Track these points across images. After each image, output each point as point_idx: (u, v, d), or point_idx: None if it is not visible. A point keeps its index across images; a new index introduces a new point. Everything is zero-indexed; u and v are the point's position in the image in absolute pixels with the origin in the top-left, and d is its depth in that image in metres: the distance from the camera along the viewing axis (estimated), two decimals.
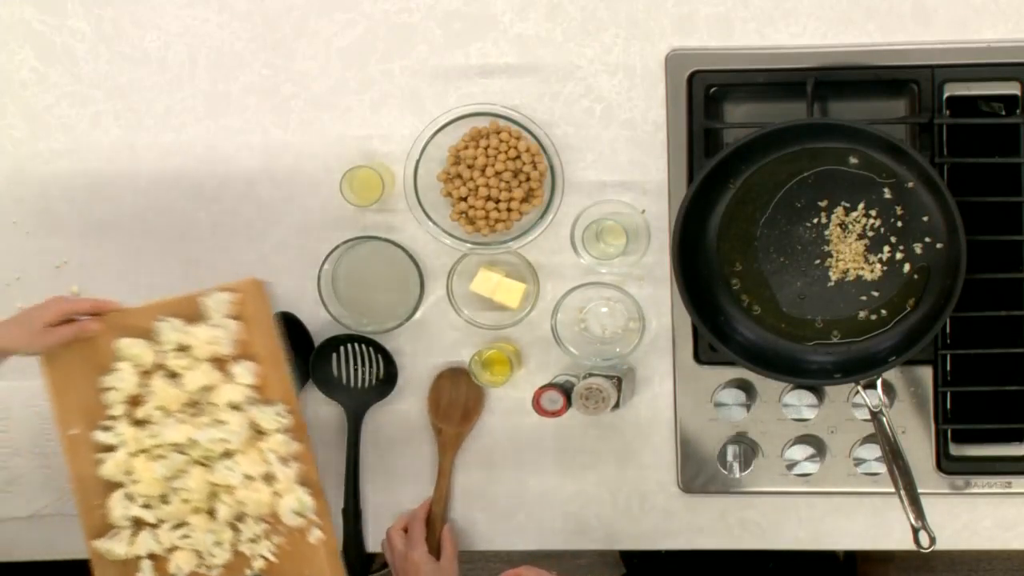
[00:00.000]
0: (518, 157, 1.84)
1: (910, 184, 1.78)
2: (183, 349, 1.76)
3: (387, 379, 1.92)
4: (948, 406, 1.85)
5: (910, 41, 1.84)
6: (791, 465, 1.85)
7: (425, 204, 1.85)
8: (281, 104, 1.92)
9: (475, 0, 1.89)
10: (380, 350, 1.91)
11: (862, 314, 1.81)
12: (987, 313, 1.81)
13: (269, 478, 1.76)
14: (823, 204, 1.80)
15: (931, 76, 1.82)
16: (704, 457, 1.88)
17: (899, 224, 1.79)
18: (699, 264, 1.82)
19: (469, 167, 1.84)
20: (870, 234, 1.79)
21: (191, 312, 1.77)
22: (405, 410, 1.92)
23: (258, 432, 1.76)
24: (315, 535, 1.78)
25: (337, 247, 1.87)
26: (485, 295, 1.86)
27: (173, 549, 1.76)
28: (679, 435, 1.88)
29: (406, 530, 1.88)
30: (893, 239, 1.79)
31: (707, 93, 1.85)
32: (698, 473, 1.89)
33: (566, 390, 1.79)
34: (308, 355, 1.91)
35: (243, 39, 1.92)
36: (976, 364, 1.84)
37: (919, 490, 1.76)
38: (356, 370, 1.92)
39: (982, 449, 1.85)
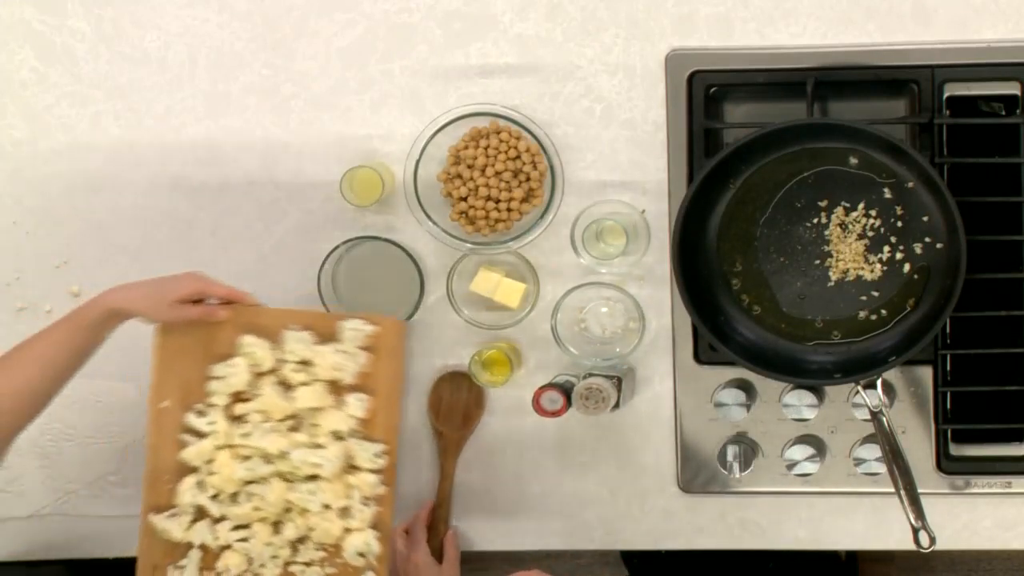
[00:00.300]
0: (518, 157, 1.84)
1: (910, 184, 1.78)
2: (304, 364, 1.74)
3: None
4: (948, 406, 1.85)
5: (910, 41, 1.84)
6: (791, 465, 1.85)
7: (425, 204, 1.85)
8: (281, 104, 1.92)
9: (475, 0, 1.89)
10: None
11: (862, 314, 1.81)
12: (987, 313, 1.81)
13: (346, 512, 1.73)
14: (823, 204, 1.80)
15: (931, 76, 1.82)
16: (704, 457, 1.88)
17: (899, 224, 1.79)
18: (699, 264, 1.82)
19: (469, 167, 1.84)
20: (870, 234, 1.79)
21: (324, 330, 1.74)
22: (405, 410, 1.92)
23: (350, 466, 1.73)
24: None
25: (337, 247, 1.87)
26: (485, 295, 1.86)
27: (226, 548, 1.74)
28: (679, 435, 1.88)
29: (408, 532, 1.88)
30: (893, 239, 1.79)
31: (707, 93, 1.85)
32: (698, 473, 1.89)
33: (566, 390, 1.79)
34: None
35: (243, 39, 1.92)
36: (976, 364, 1.84)
37: (919, 490, 1.76)
38: None
39: (982, 449, 1.85)
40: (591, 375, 1.80)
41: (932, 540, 1.75)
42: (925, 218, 1.78)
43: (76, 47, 1.93)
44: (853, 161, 1.79)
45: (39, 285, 1.95)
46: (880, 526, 1.87)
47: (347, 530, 1.73)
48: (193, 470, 1.74)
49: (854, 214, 1.79)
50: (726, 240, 1.83)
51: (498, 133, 1.84)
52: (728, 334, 1.81)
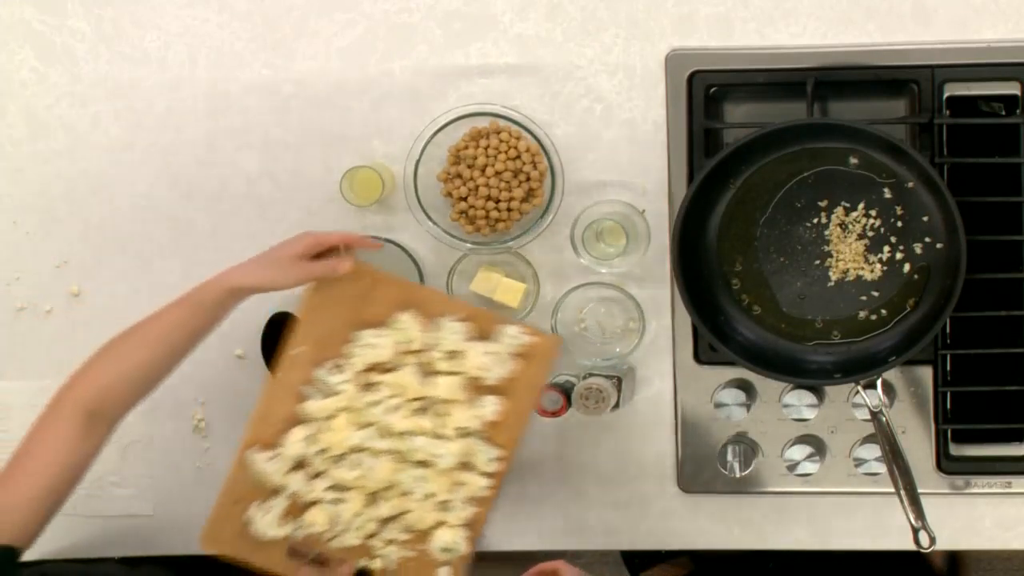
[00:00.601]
0: (518, 157, 1.84)
1: (910, 184, 1.78)
2: (453, 354, 1.71)
3: None
4: (948, 406, 1.85)
5: (910, 41, 1.84)
6: (791, 465, 1.85)
7: (425, 204, 1.85)
8: (281, 104, 1.92)
9: (475, 0, 1.89)
10: None
11: (862, 314, 1.81)
12: (987, 313, 1.81)
13: (445, 506, 1.71)
14: (823, 204, 1.80)
15: (931, 76, 1.82)
16: (704, 457, 1.88)
17: (899, 224, 1.79)
18: (699, 264, 1.82)
19: (469, 167, 1.84)
20: (870, 234, 1.79)
21: (483, 328, 1.71)
22: None
23: (464, 464, 1.71)
24: (443, 572, 1.73)
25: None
26: (485, 295, 1.86)
27: (315, 503, 1.71)
28: (679, 435, 1.88)
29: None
30: (893, 239, 1.79)
31: (707, 93, 1.85)
32: (698, 473, 1.89)
33: (566, 390, 1.79)
34: None
35: (243, 39, 1.92)
36: (976, 364, 1.84)
37: (919, 490, 1.76)
38: None
39: (982, 449, 1.85)
40: (591, 375, 1.80)
41: (932, 540, 1.75)
42: (925, 218, 1.78)
43: (76, 47, 1.93)
44: (853, 161, 1.79)
45: (39, 285, 1.95)
46: (880, 526, 1.87)
47: (440, 523, 1.71)
48: (307, 423, 1.71)
49: (854, 214, 1.79)
50: (726, 240, 1.83)
51: (498, 133, 1.84)
52: (728, 334, 1.81)
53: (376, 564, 1.72)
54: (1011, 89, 1.82)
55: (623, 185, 1.87)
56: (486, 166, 1.84)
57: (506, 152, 1.84)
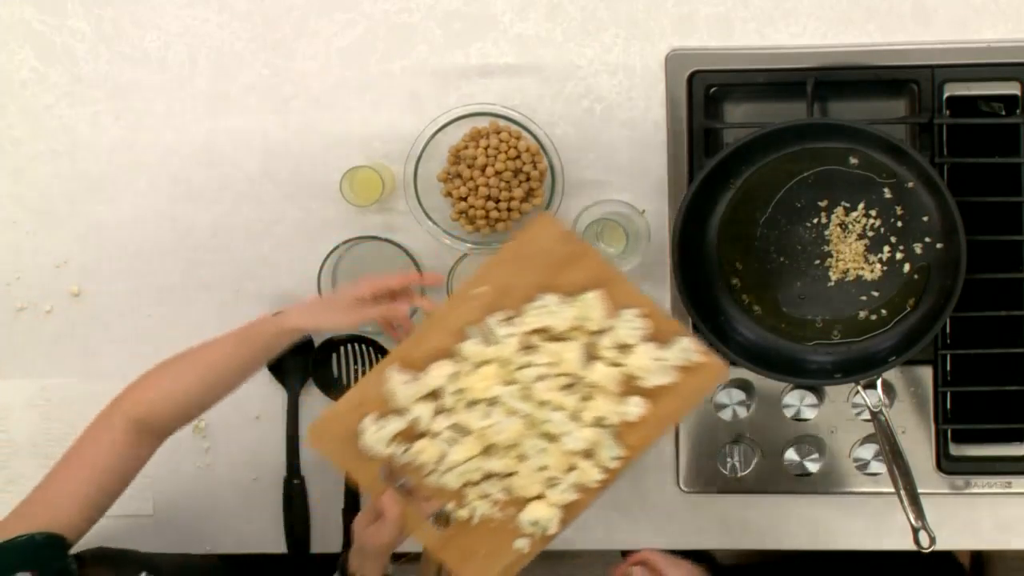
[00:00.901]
0: (518, 157, 1.84)
1: (910, 184, 1.78)
2: (622, 348, 1.68)
3: None
4: (948, 406, 1.85)
5: (910, 41, 1.84)
6: (791, 465, 1.85)
7: (425, 204, 1.85)
8: (281, 104, 1.92)
9: (475, 0, 1.89)
10: (380, 350, 1.91)
11: (862, 314, 1.81)
12: (987, 313, 1.81)
13: (551, 482, 1.69)
14: (823, 204, 1.80)
15: (931, 76, 1.82)
16: (704, 457, 1.88)
17: (899, 224, 1.79)
18: (699, 264, 1.82)
19: (469, 167, 1.84)
20: (870, 234, 1.79)
21: (658, 330, 1.68)
22: None
23: (587, 452, 1.68)
24: (520, 543, 1.70)
25: (337, 247, 1.87)
26: None
27: (430, 436, 1.68)
28: (679, 435, 1.88)
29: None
30: (893, 239, 1.79)
31: (707, 93, 1.85)
32: (698, 473, 1.89)
33: None
34: (308, 355, 1.91)
35: (243, 39, 1.92)
36: (976, 364, 1.84)
37: (919, 490, 1.76)
38: (356, 370, 1.92)
39: (982, 449, 1.85)
40: None
41: (932, 540, 1.75)
42: (925, 218, 1.78)
43: (76, 47, 1.93)
44: (853, 161, 1.79)
45: (39, 285, 1.95)
46: (880, 526, 1.87)
47: (539, 497, 1.69)
48: (457, 360, 1.69)
49: (854, 214, 1.79)
50: (726, 240, 1.83)
51: (498, 133, 1.84)
52: (728, 334, 1.81)
53: (459, 512, 1.69)
54: (1011, 89, 1.82)
55: (623, 185, 1.87)
56: (486, 166, 1.84)
57: (506, 152, 1.84)
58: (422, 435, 1.68)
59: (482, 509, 1.69)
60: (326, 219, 1.91)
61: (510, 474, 1.68)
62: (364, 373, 1.91)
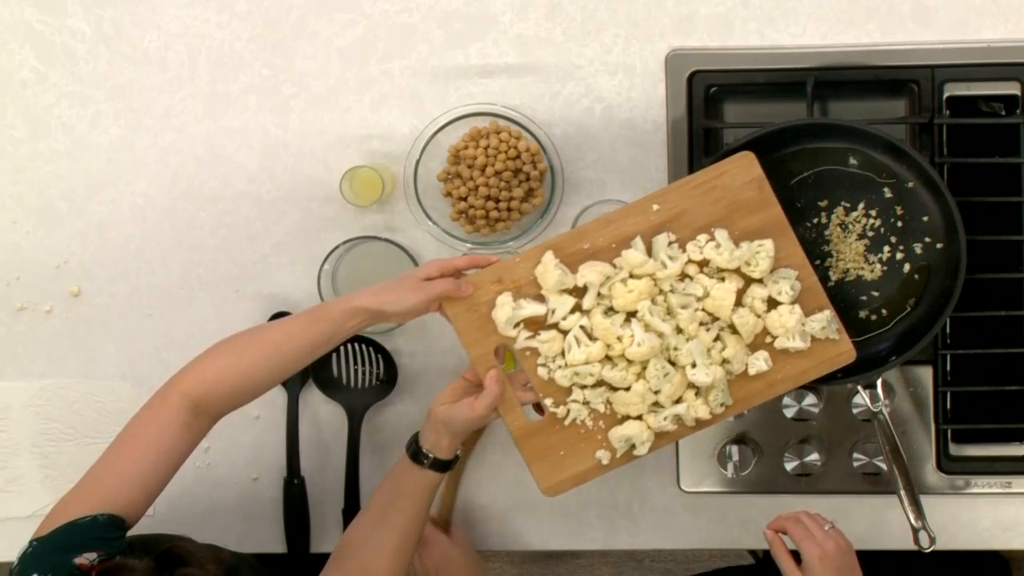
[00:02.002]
0: (518, 157, 1.84)
1: (910, 184, 1.78)
2: (771, 302, 1.70)
3: (387, 379, 1.92)
4: (948, 406, 1.85)
5: (910, 41, 1.84)
6: (791, 465, 1.85)
7: (425, 204, 1.85)
8: (281, 104, 1.92)
9: (475, 0, 1.89)
10: (380, 350, 1.91)
11: (862, 314, 1.81)
12: (987, 313, 1.81)
13: (656, 407, 1.69)
14: (823, 204, 1.80)
15: (931, 76, 1.82)
16: (704, 457, 1.88)
17: (899, 224, 1.79)
18: None
19: (469, 167, 1.84)
20: (870, 234, 1.79)
21: (807, 298, 1.70)
22: (405, 410, 1.92)
23: (699, 390, 1.69)
24: (601, 454, 1.70)
25: (337, 247, 1.87)
26: None
27: (558, 330, 1.69)
28: (677, 439, 1.88)
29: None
30: (893, 239, 1.79)
31: (707, 93, 1.85)
32: (698, 473, 1.89)
33: None
34: None
35: (243, 39, 1.92)
36: (976, 364, 1.84)
37: (919, 490, 1.76)
38: (356, 370, 1.92)
39: (982, 449, 1.85)
40: None
41: (932, 540, 1.75)
42: (925, 218, 1.78)
43: (76, 47, 1.93)
44: (853, 161, 1.79)
45: (39, 285, 1.95)
46: (880, 526, 1.87)
47: (639, 418, 1.70)
48: (612, 265, 1.69)
49: (854, 214, 1.79)
50: None
51: (498, 133, 1.84)
52: None
53: (557, 410, 1.70)
54: (1011, 89, 1.82)
55: (623, 185, 1.88)
56: (486, 166, 1.84)
57: (506, 152, 1.84)
58: (552, 327, 1.69)
59: (577, 413, 1.70)
60: (326, 219, 1.91)
61: (622, 389, 1.69)
62: (364, 373, 1.91)
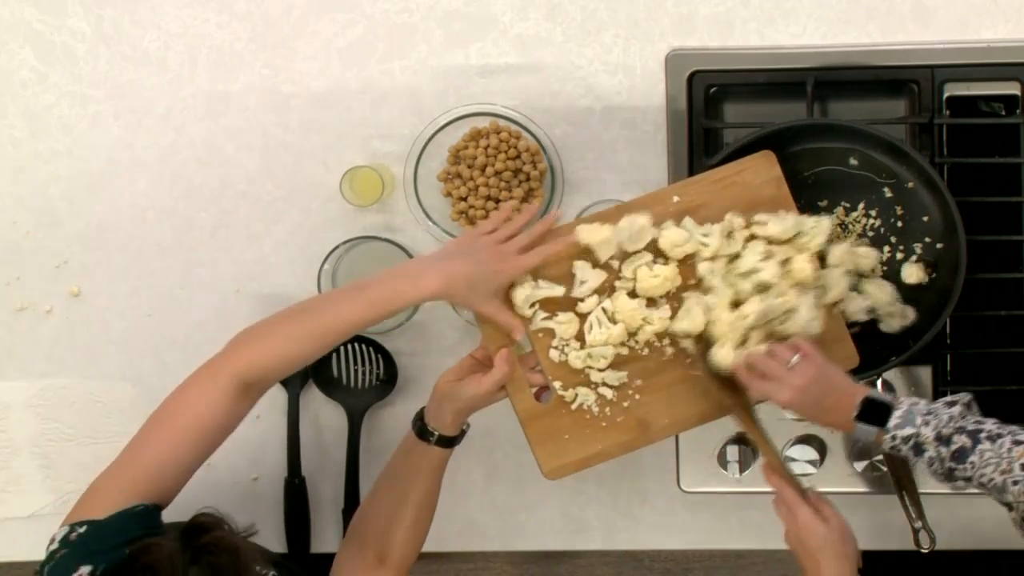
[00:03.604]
0: (518, 156, 1.84)
1: (910, 184, 1.78)
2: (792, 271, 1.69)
3: (387, 379, 1.92)
4: None
5: (910, 41, 1.84)
6: (791, 465, 1.85)
7: (425, 204, 1.85)
8: (281, 104, 1.92)
9: (475, 0, 1.89)
10: (380, 350, 1.91)
11: None
12: (987, 313, 1.81)
13: (681, 352, 1.70)
14: (823, 204, 1.80)
15: (931, 76, 1.82)
16: (704, 457, 1.88)
17: (899, 224, 1.79)
18: None
19: (469, 167, 1.84)
20: (870, 234, 1.79)
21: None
22: (405, 410, 1.92)
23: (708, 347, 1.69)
24: (627, 403, 1.71)
25: (337, 247, 1.87)
26: None
27: (578, 313, 1.69)
28: (679, 435, 1.88)
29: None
30: (893, 239, 1.79)
31: (707, 93, 1.85)
32: (698, 473, 1.89)
33: None
34: None
35: (243, 39, 1.92)
36: (976, 364, 1.84)
37: (919, 490, 1.76)
38: (356, 370, 1.92)
39: None
40: None
41: (932, 540, 1.75)
42: (925, 218, 1.78)
43: (76, 47, 1.94)
44: (853, 161, 1.79)
45: (39, 285, 1.95)
46: (880, 526, 1.87)
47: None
48: (635, 250, 1.70)
49: (854, 214, 1.79)
50: None
51: (498, 133, 1.84)
52: None
53: (565, 393, 1.70)
54: (1011, 89, 1.82)
55: (623, 185, 1.88)
56: (486, 166, 1.84)
57: (506, 152, 1.84)
58: (570, 308, 1.69)
59: (585, 398, 1.70)
60: (326, 219, 1.91)
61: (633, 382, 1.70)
62: (364, 373, 1.91)
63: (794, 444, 1.85)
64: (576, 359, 1.69)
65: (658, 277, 1.68)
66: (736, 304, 1.68)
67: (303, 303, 1.64)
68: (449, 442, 1.69)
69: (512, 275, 1.65)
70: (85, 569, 1.44)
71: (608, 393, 1.70)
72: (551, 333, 1.70)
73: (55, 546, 1.48)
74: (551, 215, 1.73)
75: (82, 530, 1.49)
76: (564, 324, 1.69)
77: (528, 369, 1.70)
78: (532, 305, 1.69)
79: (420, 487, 1.69)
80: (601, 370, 1.70)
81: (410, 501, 1.69)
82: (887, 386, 1.78)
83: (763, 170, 1.71)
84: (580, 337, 1.70)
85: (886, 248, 1.79)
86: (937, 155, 1.81)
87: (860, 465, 1.85)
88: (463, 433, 1.71)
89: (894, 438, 1.56)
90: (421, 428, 1.69)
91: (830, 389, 1.60)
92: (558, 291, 1.69)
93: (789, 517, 1.62)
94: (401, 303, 1.60)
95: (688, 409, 1.71)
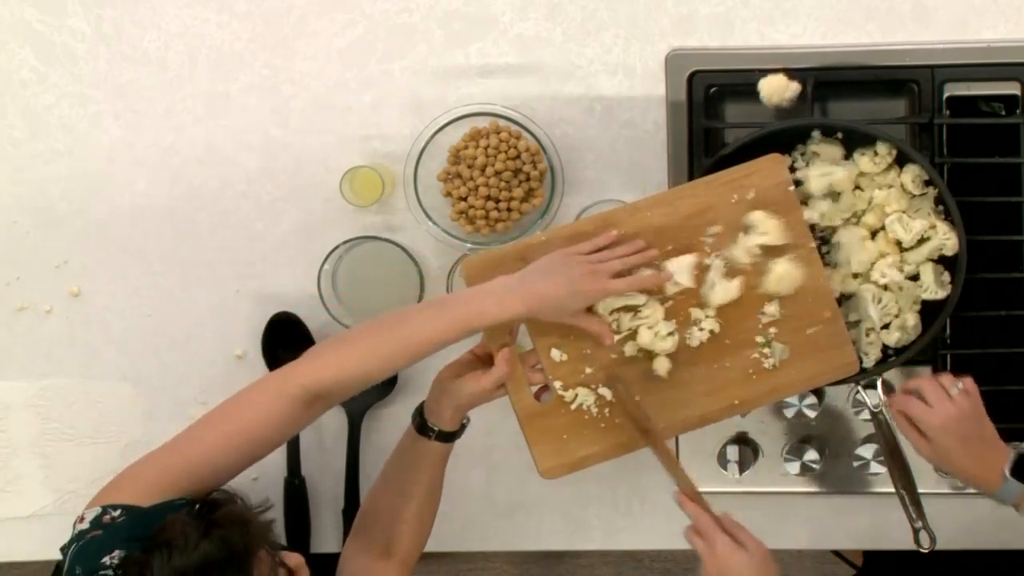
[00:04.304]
0: (518, 156, 1.84)
1: None
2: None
3: (387, 379, 1.91)
4: None
5: (910, 41, 1.84)
6: (792, 465, 1.85)
7: (425, 204, 1.85)
8: (281, 104, 1.92)
9: (475, 0, 1.89)
10: None
11: None
12: (987, 313, 1.81)
13: (685, 323, 1.70)
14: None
15: (931, 76, 1.82)
16: (704, 457, 1.88)
17: None
18: None
19: (469, 167, 1.84)
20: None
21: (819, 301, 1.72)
22: (405, 410, 1.91)
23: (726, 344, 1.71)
24: (661, 365, 1.71)
25: (337, 247, 1.87)
26: None
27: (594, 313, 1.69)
28: (679, 435, 1.88)
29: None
30: None
31: (707, 93, 1.85)
32: (698, 473, 1.88)
33: None
34: None
35: (243, 39, 1.92)
36: (976, 364, 1.84)
37: (919, 490, 1.76)
38: None
39: None
40: None
41: (932, 540, 1.75)
42: None
43: (76, 47, 1.94)
44: None
45: (39, 285, 1.95)
46: (880, 526, 1.87)
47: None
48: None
49: None
50: None
51: (498, 133, 1.84)
52: None
53: (565, 393, 1.70)
54: (1011, 89, 1.82)
55: (623, 185, 1.88)
56: (486, 166, 1.84)
57: (506, 152, 1.84)
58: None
59: (584, 399, 1.70)
60: (326, 219, 1.91)
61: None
62: None
63: (794, 444, 1.85)
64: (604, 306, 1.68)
65: (653, 314, 1.69)
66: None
67: (381, 318, 1.62)
68: (449, 437, 1.69)
69: (601, 299, 1.66)
70: (119, 553, 1.42)
71: (608, 394, 1.70)
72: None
73: (85, 526, 1.47)
74: (650, 250, 1.69)
75: (116, 513, 1.47)
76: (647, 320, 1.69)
77: (529, 368, 1.70)
78: (611, 313, 1.69)
79: (422, 481, 1.70)
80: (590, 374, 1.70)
81: (413, 495, 1.70)
82: (887, 386, 1.78)
83: (773, 173, 1.71)
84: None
85: None
86: (937, 155, 1.81)
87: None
88: (463, 428, 1.71)
89: None
90: (421, 424, 1.69)
91: (980, 434, 1.61)
92: (639, 300, 1.69)
93: (706, 550, 1.58)
94: (484, 324, 1.59)
95: (687, 412, 1.71)
